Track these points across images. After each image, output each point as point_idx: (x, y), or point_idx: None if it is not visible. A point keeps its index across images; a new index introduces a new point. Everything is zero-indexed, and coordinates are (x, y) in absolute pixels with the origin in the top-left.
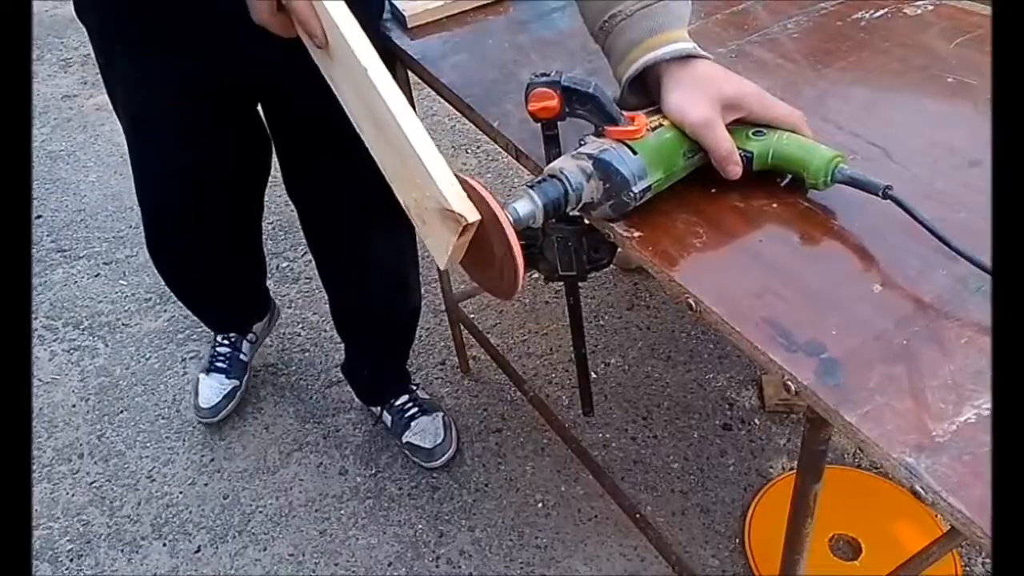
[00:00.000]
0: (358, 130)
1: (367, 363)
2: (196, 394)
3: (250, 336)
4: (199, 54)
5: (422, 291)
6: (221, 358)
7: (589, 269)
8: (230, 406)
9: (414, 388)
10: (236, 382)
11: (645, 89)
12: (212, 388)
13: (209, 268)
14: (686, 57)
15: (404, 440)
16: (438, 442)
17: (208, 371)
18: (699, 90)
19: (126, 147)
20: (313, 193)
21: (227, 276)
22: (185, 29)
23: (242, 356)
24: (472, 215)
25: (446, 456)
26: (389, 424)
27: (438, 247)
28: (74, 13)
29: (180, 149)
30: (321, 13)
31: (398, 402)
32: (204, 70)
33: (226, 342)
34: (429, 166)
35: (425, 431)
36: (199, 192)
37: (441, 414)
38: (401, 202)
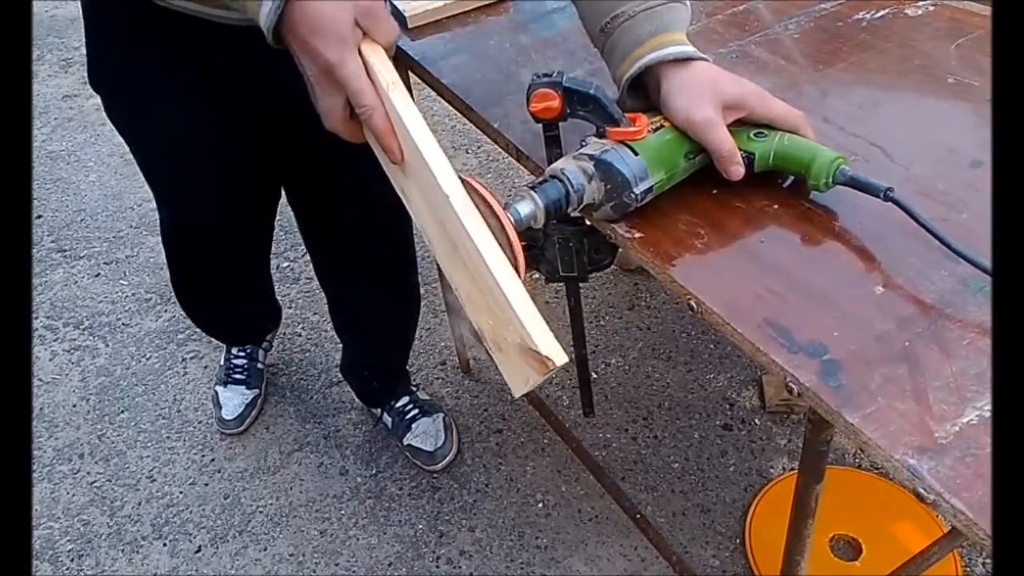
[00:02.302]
0: (424, 236)
1: (367, 364)
2: (218, 407)
3: (264, 344)
4: (224, 70)
5: (421, 291)
6: (239, 369)
7: (590, 270)
8: (253, 414)
9: (414, 389)
10: (256, 391)
11: (643, 92)
12: (234, 399)
13: (238, 286)
14: (686, 59)
15: (405, 442)
16: (439, 444)
17: (226, 383)
18: (700, 91)
19: (127, 149)
20: (313, 196)
21: (251, 291)
22: (208, 51)
23: (259, 365)
24: (561, 358)
25: (447, 459)
26: (390, 426)
27: (515, 377)
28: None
29: (227, 168)
30: (399, 131)
31: (398, 404)
32: (232, 84)
33: (242, 353)
34: (518, 309)
35: (426, 433)
36: (243, 210)
37: (442, 415)
38: (472, 321)
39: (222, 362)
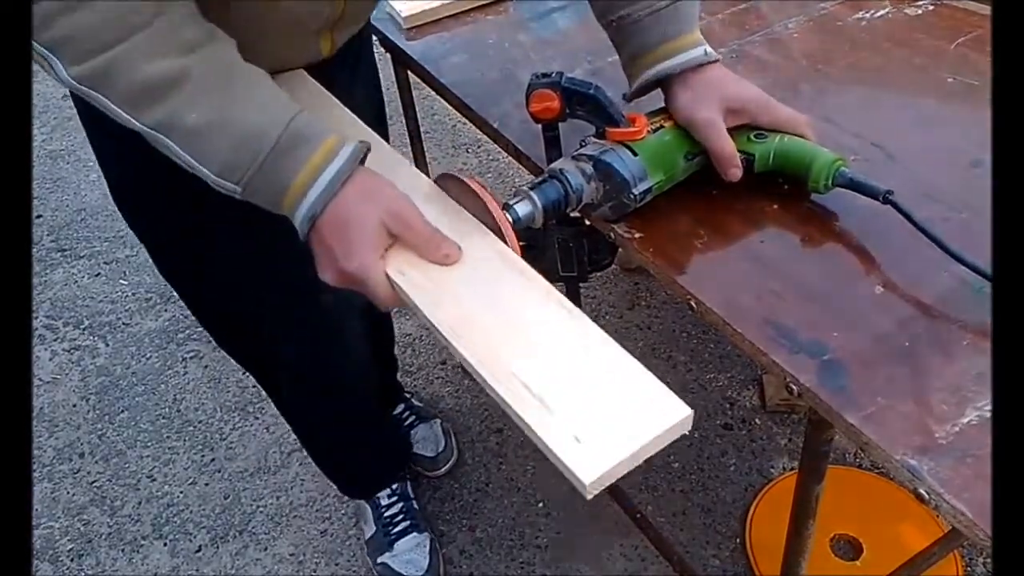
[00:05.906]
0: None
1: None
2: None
3: (410, 476)
4: None
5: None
6: (400, 517)
7: (590, 270)
8: (440, 562)
9: (408, 396)
10: (428, 533)
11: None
12: (411, 556)
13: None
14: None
15: None
16: (440, 449)
17: (392, 543)
18: (707, 92)
19: None
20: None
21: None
22: None
23: (415, 503)
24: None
25: (450, 463)
26: None
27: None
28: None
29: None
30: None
31: (395, 412)
32: None
33: (394, 498)
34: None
35: (426, 439)
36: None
37: (439, 421)
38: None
39: (371, 532)
